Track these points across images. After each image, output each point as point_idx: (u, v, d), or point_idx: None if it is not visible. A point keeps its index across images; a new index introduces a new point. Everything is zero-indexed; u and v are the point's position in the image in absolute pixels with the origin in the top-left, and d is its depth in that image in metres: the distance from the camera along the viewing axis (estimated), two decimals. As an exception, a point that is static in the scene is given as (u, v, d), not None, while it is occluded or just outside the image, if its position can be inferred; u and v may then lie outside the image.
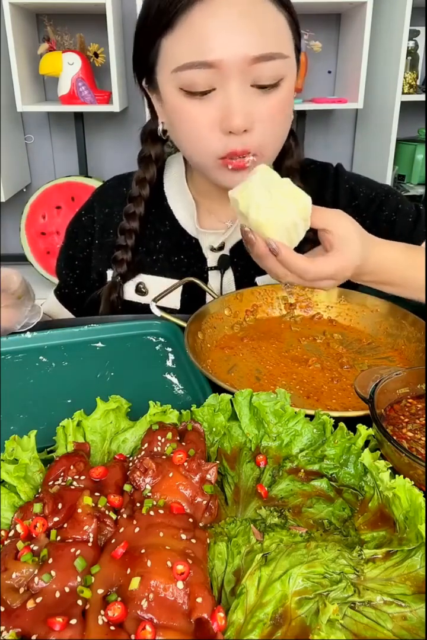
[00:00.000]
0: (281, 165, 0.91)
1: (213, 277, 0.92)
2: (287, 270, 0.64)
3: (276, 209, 0.61)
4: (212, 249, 0.91)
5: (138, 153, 0.94)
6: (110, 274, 0.95)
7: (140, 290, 0.94)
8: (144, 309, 0.93)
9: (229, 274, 0.92)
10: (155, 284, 0.93)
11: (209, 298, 0.90)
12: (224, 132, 0.71)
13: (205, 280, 0.92)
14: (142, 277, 0.94)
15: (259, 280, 0.92)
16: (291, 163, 0.91)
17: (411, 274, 0.72)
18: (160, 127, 0.84)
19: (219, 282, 0.92)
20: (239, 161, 0.73)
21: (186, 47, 0.69)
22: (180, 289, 0.92)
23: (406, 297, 0.76)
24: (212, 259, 0.92)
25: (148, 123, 0.93)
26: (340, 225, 0.66)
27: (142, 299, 0.94)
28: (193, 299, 0.90)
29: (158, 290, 0.91)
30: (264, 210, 0.60)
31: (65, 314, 1.02)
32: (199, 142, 0.74)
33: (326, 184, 0.94)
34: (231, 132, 0.70)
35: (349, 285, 0.86)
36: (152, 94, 0.81)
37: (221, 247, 0.92)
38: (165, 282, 0.91)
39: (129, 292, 0.94)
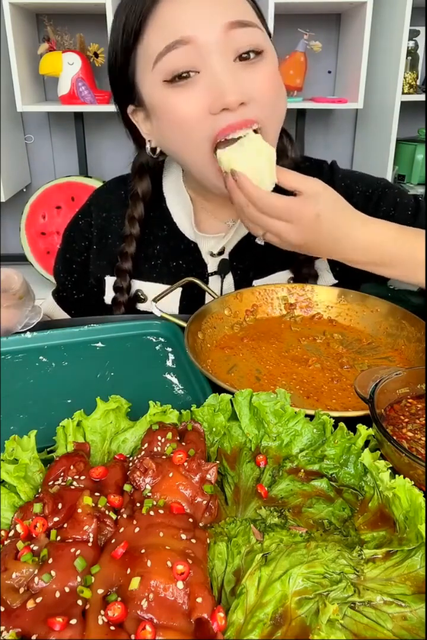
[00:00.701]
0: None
1: (213, 281, 0.92)
2: (247, 199, 0.68)
3: (245, 153, 0.69)
4: (212, 254, 0.91)
5: (133, 160, 0.93)
6: (108, 280, 0.94)
7: (138, 297, 0.93)
8: (142, 314, 0.93)
9: (229, 278, 0.92)
10: (154, 290, 0.91)
11: (208, 299, 0.90)
12: (215, 113, 0.68)
13: (206, 285, 0.92)
14: (141, 285, 0.93)
15: (256, 283, 0.91)
16: (287, 164, 0.89)
17: (406, 253, 0.71)
18: (148, 146, 0.82)
19: (220, 287, 0.92)
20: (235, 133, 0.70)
21: (160, 36, 0.69)
22: (179, 294, 0.91)
23: (403, 280, 0.75)
24: (212, 264, 0.92)
25: (136, 158, 0.92)
26: (310, 185, 0.69)
27: (141, 306, 0.94)
28: (192, 304, 0.90)
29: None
30: (234, 153, 0.69)
31: (62, 315, 1.01)
32: (187, 135, 0.72)
33: None
34: (225, 109, 0.68)
35: (350, 284, 0.86)
36: (138, 116, 0.80)
37: (221, 252, 0.91)
38: (164, 289, 0.91)
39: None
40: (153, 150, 0.83)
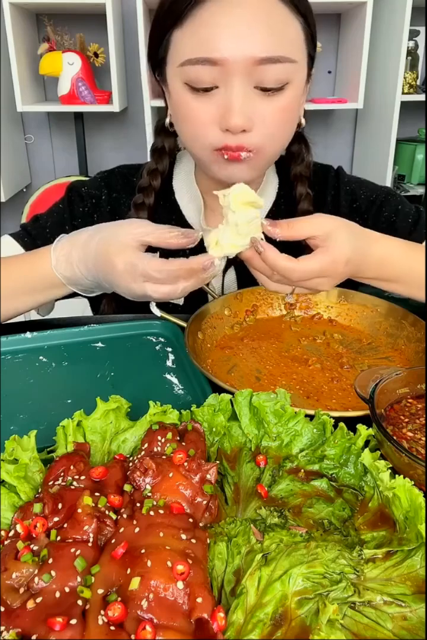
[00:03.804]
0: (289, 170, 0.91)
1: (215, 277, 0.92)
2: (273, 270, 0.65)
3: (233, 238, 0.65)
4: None
5: (151, 145, 0.94)
6: None
7: None
8: (145, 305, 0.92)
9: (232, 274, 0.92)
10: None
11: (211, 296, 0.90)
12: (222, 130, 0.71)
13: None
14: None
15: None
16: (300, 169, 0.90)
17: (413, 268, 0.72)
18: (167, 119, 0.85)
19: (221, 282, 0.92)
20: (234, 154, 0.73)
21: (193, 42, 0.69)
22: None
23: (407, 296, 0.76)
24: None
25: (162, 118, 0.93)
26: (321, 225, 0.66)
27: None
28: (197, 295, 0.90)
29: None
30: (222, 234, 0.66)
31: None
32: (197, 135, 0.75)
33: (327, 187, 0.95)
34: (228, 130, 0.70)
35: (350, 285, 0.86)
36: (164, 86, 0.82)
37: None
38: None
39: None
40: (171, 124, 0.85)
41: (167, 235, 0.67)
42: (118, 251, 0.67)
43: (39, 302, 0.80)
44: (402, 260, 0.72)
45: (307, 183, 0.90)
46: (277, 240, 0.65)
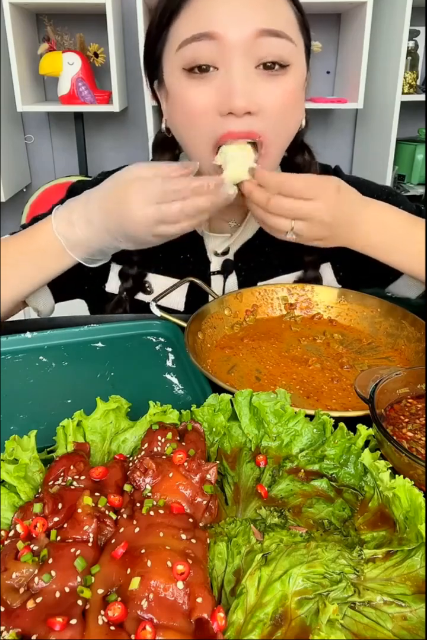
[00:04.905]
0: None
1: (216, 280, 0.92)
2: (264, 184, 0.68)
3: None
4: (216, 254, 0.91)
5: (150, 160, 0.93)
6: (114, 266, 0.93)
7: (144, 288, 0.93)
8: (148, 307, 0.92)
9: (233, 279, 0.92)
10: (160, 282, 0.92)
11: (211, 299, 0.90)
12: (222, 114, 0.69)
13: (209, 284, 0.91)
14: (148, 276, 0.93)
15: (261, 285, 0.91)
16: None
17: (415, 236, 0.74)
18: (163, 125, 0.84)
19: (222, 286, 0.92)
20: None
21: (191, 23, 0.69)
22: (184, 290, 0.91)
23: (408, 271, 0.76)
24: (216, 263, 0.92)
25: (159, 132, 0.92)
26: (312, 176, 0.72)
27: (146, 298, 0.93)
28: (197, 301, 0.90)
29: (162, 288, 0.90)
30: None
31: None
32: (193, 127, 0.73)
33: None
34: (230, 113, 0.68)
35: (350, 285, 0.86)
36: (160, 93, 0.81)
37: (226, 252, 0.91)
38: (170, 282, 0.90)
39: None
40: (168, 129, 0.84)
41: (167, 169, 0.69)
42: (126, 181, 0.69)
43: (41, 279, 0.79)
44: (408, 228, 0.73)
45: None
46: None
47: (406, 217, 0.76)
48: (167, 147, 0.89)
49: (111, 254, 0.81)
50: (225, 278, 0.92)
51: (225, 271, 0.91)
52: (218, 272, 0.91)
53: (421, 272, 0.74)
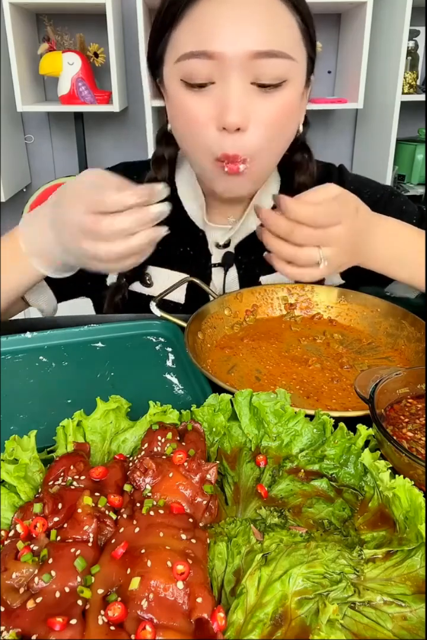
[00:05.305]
0: (293, 180, 0.90)
1: (217, 273, 0.92)
2: (291, 216, 0.64)
3: None
4: (218, 246, 0.92)
5: (152, 154, 0.93)
6: None
7: (145, 281, 0.93)
8: (147, 300, 0.92)
9: (233, 272, 0.92)
10: (161, 275, 0.92)
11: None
12: (219, 129, 0.70)
13: (209, 277, 0.92)
14: (148, 268, 0.93)
15: (263, 279, 0.91)
16: (304, 179, 0.89)
17: (418, 255, 0.74)
18: (169, 126, 0.84)
19: (223, 279, 0.92)
20: (233, 165, 0.72)
21: (190, 37, 0.69)
22: (184, 284, 0.92)
23: (418, 285, 0.76)
24: (216, 256, 0.92)
25: (164, 124, 0.93)
26: (329, 186, 0.68)
27: (146, 291, 0.93)
28: (198, 296, 0.91)
29: (163, 281, 0.90)
30: None
31: None
32: (195, 136, 0.74)
33: None
34: (224, 128, 0.69)
35: (350, 285, 0.86)
36: (163, 91, 0.82)
37: (227, 244, 0.91)
38: (171, 274, 0.91)
39: (134, 283, 0.94)
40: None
41: (121, 184, 0.63)
42: (71, 184, 0.66)
43: (7, 291, 0.76)
44: (410, 243, 0.73)
45: None
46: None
47: (412, 232, 0.76)
48: (170, 141, 0.89)
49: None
50: (225, 271, 0.92)
51: (225, 264, 0.91)
52: (219, 265, 0.92)
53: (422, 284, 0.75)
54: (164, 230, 0.64)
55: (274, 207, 0.68)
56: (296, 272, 0.68)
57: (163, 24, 0.73)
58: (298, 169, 0.90)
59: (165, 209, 0.62)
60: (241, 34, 0.67)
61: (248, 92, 0.69)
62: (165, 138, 0.90)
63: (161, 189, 0.62)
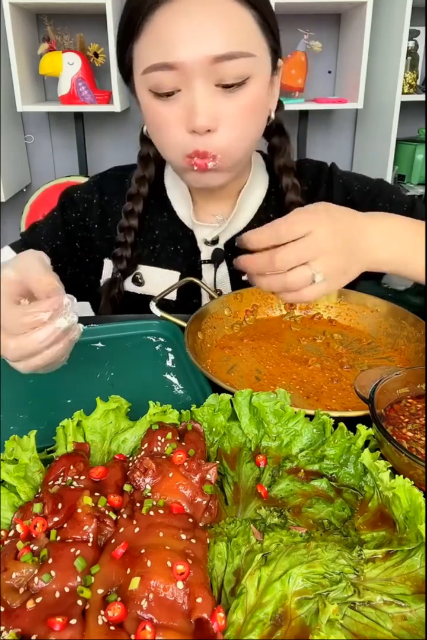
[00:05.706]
0: (273, 164, 0.93)
1: (207, 270, 0.93)
2: (256, 245, 0.62)
3: None
4: (206, 243, 0.92)
5: (138, 152, 0.95)
6: (106, 263, 0.95)
7: (137, 280, 0.94)
8: (141, 299, 0.93)
9: (224, 269, 0.93)
10: (152, 274, 0.94)
11: (205, 293, 0.91)
12: (189, 131, 0.73)
13: (200, 273, 0.93)
14: (139, 268, 0.94)
15: None
16: (284, 162, 0.91)
17: (418, 249, 0.70)
18: (145, 128, 0.86)
19: (213, 276, 0.92)
20: (201, 162, 0.74)
21: (151, 50, 0.71)
22: (176, 280, 0.92)
23: (418, 280, 0.73)
24: (206, 253, 0.93)
25: (140, 149, 0.94)
26: (299, 219, 0.63)
27: (138, 290, 0.94)
28: (189, 293, 0.91)
29: (154, 280, 0.92)
30: None
31: None
32: (167, 138, 0.77)
33: (320, 181, 0.95)
34: (194, 131, 0.72)
35: (350, 284, 0.86)
36: (136, 98, 0.83)
37: (216, 241, 0.92)
38: (162, 273, 0.92)
39: (126, 282, 0.95)
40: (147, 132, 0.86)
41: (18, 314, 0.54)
42: None
43: None
44: (410, 238, 0.69)
45: (292, 174, 0.91)
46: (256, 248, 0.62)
47: (410, 224, 0.73)
48: (152, 161, 0.92)
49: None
50: (216, 268, 0.92)
51: (215, 260, 0.92)
52: (208, 262, 0.92)
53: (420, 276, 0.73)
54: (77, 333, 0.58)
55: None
56: (294, 296, 0.64)
57: (125, 37, 0.75)
58: (276, 153, 0.92)
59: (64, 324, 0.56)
60: (199, 42, 0.68)
61: (213, 95, 0.71)
62: (147, 137, 0.91)
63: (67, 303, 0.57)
